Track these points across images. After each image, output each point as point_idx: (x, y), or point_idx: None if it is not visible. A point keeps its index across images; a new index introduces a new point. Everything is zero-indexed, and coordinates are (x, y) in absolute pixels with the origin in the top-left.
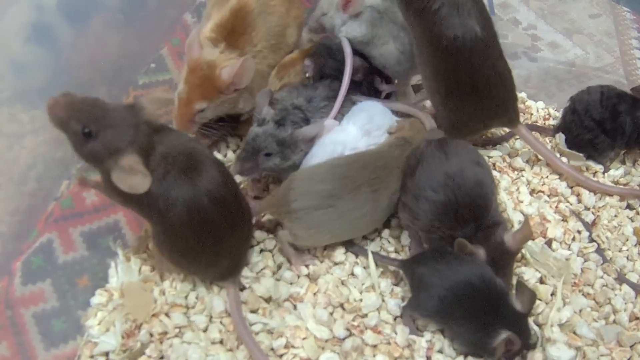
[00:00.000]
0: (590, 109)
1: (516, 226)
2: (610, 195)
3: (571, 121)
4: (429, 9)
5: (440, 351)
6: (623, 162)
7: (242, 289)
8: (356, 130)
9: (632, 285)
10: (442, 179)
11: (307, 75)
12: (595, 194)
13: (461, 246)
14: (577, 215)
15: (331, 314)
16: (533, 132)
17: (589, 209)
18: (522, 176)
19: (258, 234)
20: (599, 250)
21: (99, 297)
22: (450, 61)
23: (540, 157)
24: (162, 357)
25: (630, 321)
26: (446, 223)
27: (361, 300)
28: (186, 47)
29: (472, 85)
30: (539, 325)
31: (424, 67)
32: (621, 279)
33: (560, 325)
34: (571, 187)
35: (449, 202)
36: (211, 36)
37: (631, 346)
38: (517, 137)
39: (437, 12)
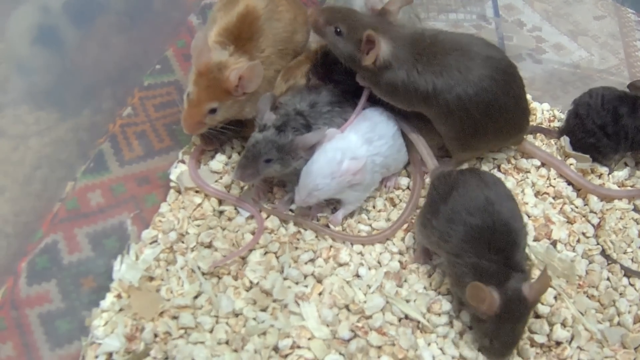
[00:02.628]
0: (592, 112)
1: None
2: (619, 199)
3: (574, 125)
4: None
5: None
6: (626, 164)
7: (249, 288)
8: (357, 138)
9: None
10: (481, 204)
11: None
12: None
13: (476, 289)
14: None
15: (336, 315)
16: (538, 134)
17: (595, 212)
18: (527, 178)
19: (262, 239)
20: (602, 253)
21: (108, 300)
22: (471, 117)
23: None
24: (166, 358)
25: (634, 323)
26: (476, 248)
27: (365, 301)
28: (192, 50)
29: (494, 125)
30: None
31: (439, 126)
32: (626, 270)
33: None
34: (578, 190)
35: (486, 227)
36: (218, 40)
37: (635, 348)
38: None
39: (446, 101)
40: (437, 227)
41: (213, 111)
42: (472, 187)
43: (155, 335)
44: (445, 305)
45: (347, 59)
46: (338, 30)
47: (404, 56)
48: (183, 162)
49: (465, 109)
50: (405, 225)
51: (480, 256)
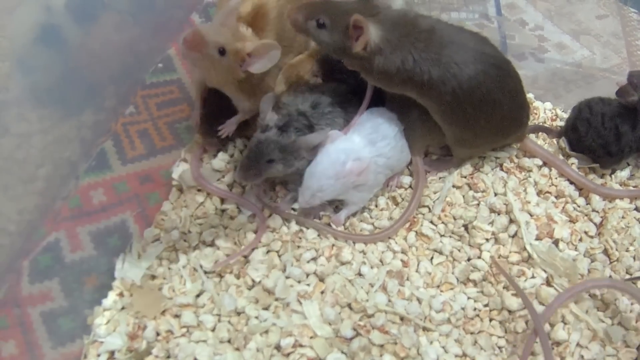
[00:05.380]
0: (592, 132)
1: (522, 227)
2: (621, 198)
3: (573, 139)
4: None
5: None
6: (627, 163)
7: (251, 287)
8: (360, 139)
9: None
10: None
11: (315, 80)
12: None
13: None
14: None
15: (338, 313)
16: (540, 134)
17: (597, 211)
18: (530, 177)
19: (264, 238)
20: (604, 251)
21: (110, 298)
22: (464, 112)
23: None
24: (168, 357)
25: (636, 322)
26: None
27: (367, 300)
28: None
29: (489, 121)
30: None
31: (435, 115)
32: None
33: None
34: (580, 189)
35: None
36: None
37: (637, 347)
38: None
39: (440, 93)
40: None
41: (222, 52)
42: None
43: (157, 334)
44: (448, 303)
45: (336, 50)
46: (320, 22)
47: (396, 40)
48: (185, 160)
49: (459, 103)
50: (407, 224)
51: None
